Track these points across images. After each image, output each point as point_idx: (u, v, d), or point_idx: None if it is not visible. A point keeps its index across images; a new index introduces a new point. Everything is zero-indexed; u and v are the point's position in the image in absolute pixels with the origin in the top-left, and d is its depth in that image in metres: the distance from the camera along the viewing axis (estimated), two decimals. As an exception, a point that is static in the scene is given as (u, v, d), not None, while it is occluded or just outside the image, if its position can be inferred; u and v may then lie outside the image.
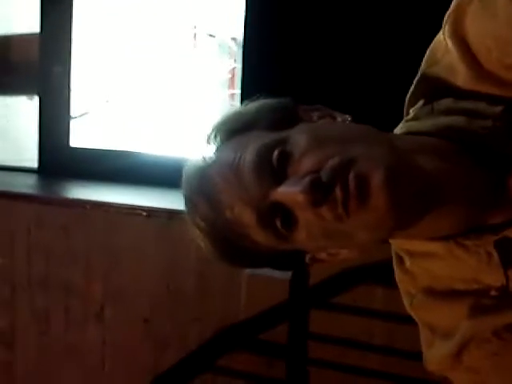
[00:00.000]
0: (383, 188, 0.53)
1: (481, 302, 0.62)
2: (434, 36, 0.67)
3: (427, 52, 0.67)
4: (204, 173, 0.61)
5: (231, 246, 0.61)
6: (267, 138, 0.59)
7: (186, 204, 0.63)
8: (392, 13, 1.63)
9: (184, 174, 0.64)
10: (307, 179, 0.54)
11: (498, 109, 0.60)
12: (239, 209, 0.58)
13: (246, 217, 0.58)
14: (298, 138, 0.57)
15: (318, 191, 0.54)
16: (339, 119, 0.62)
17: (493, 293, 0.62)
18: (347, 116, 0.62)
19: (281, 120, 0.61)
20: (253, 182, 0.57)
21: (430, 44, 0.67)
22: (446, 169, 0.58)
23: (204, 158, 0.62)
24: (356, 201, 0.53)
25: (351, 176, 0.53)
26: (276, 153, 0.57)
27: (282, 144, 0.57)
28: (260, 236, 0.59)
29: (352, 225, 0.55)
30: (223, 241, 0.61)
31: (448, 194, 0.58)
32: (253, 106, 0.64)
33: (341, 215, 0.54)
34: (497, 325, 0.61)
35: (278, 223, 0.57)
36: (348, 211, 0.54)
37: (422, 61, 0.67)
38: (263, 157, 0.57)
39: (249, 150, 0.58)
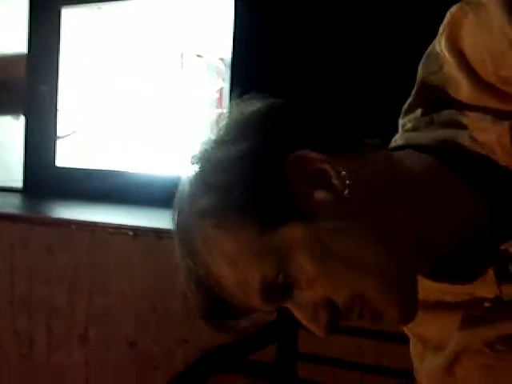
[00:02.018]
0: (397, 319, 0.58)
1: (473, 313, 0.62)
2: (422, 50, 0.67)
3: (424, 60, 0.65)
4: (196, 272, 0.58)
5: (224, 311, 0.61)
6: (263, 255, 0.55)
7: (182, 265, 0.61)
8: (380, 32, 1.65)
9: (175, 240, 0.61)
10: (324, 320, 0.56)
11: (505, 124, 0.58)
12: (243, 300, 0.58)
13: (250, 302, 0.58)
14: (302, 262, 0.55)
15: (336, 324, 0.57)
16: (336, 183, 0.56)
17: (486, 304, 0.61)
18: (346, 180, 0.56)
19: (270, 212, 0.55)
20: (258, 302, 0.57)
21: (417, 58, 0.67)
22: (448, 225, 0.59)
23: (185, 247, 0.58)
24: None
25: (366, 312, 0.56)
26: (281, 280, 0.55)
27: (284, 268, 0.55)
28: (262, 307, 0.59)
29: None
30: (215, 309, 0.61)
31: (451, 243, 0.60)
32: (230, 164, 0.56)
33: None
34: (489, 336, 0.61)
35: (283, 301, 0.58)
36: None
37: (411, 73, 0.67)
38: (267, 288, 0.56)
39: (248, 272, 0.56)
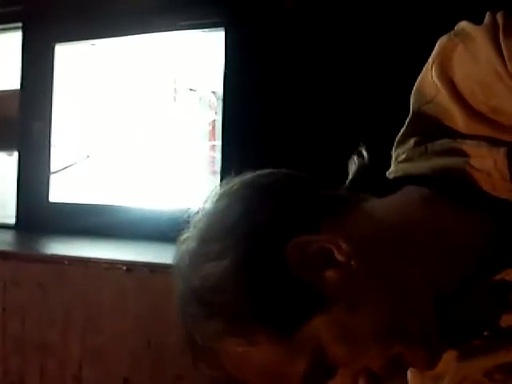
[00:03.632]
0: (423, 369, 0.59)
1: (471, 342, 0.61)
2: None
3: (415, 90, 0.66)
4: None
5: None
6: (293, 358, 0.54)
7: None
8: (369, 73, 1.67)
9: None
10: None
11: (501, 150, 0.59)
12: None
13: None
14: (334, 347, 0.55)
15: None
16: (340, 258, 0.55)
17: (484, 333, 0.61)
18: (348, 251, 0.54)
19: (288, 318, 0.54)
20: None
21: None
22: (456, 261, 0.58)
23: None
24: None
25: (402, 369, 0.58)
26: (321, 369, 0.55)
27: (319, 357, 0.55)
28: None
29: None
30: None
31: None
32: (227, 281, 0.54)
33: None
34: (488, 365, 0.60)
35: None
36: None
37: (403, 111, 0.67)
38: (309, 379, 0.55)
39: (284, 374, 0.55)
